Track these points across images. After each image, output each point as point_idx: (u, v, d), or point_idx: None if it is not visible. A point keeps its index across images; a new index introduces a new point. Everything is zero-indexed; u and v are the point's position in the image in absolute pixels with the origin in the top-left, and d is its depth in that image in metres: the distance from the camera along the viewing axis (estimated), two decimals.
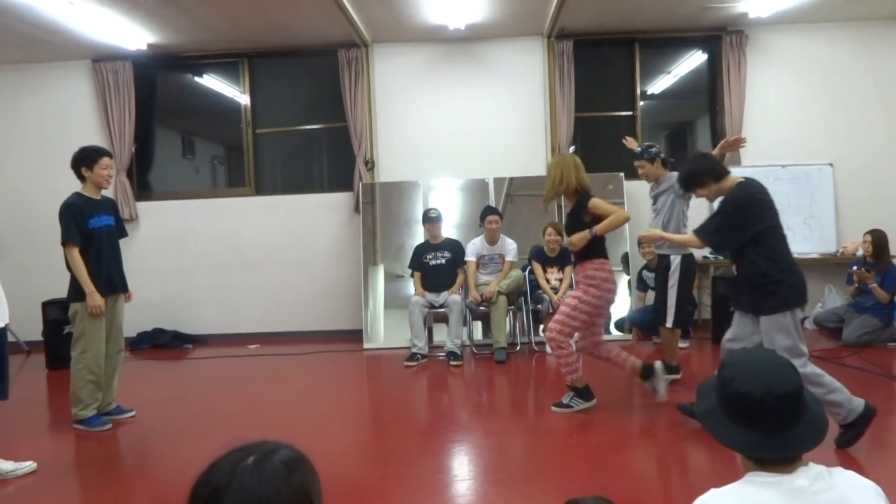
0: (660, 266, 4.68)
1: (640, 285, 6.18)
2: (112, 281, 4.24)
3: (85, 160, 4.16)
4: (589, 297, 4.06)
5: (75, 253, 4.05)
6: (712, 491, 1.34)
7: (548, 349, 5.90)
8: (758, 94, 6.79)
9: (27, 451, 3.64)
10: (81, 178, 4.19)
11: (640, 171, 4.68)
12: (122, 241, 4.44)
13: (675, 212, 4.55)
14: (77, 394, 4.13)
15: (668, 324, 4.62)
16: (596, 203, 4.04)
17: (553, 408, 4.22)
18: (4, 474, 3.40)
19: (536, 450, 3.64)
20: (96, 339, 4.13)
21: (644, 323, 6.01)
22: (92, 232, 4.13)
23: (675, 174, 4.32)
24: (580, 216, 4.09)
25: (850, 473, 1.37)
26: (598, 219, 4.02)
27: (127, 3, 5.41)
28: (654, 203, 4.73)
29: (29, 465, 3.49)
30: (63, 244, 4.08)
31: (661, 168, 4.63)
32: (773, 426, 1.34)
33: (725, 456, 1.44)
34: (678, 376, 4.71)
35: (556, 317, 4.16)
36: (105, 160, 4.19)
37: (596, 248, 4.09)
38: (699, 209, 5.44)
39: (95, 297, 4.04)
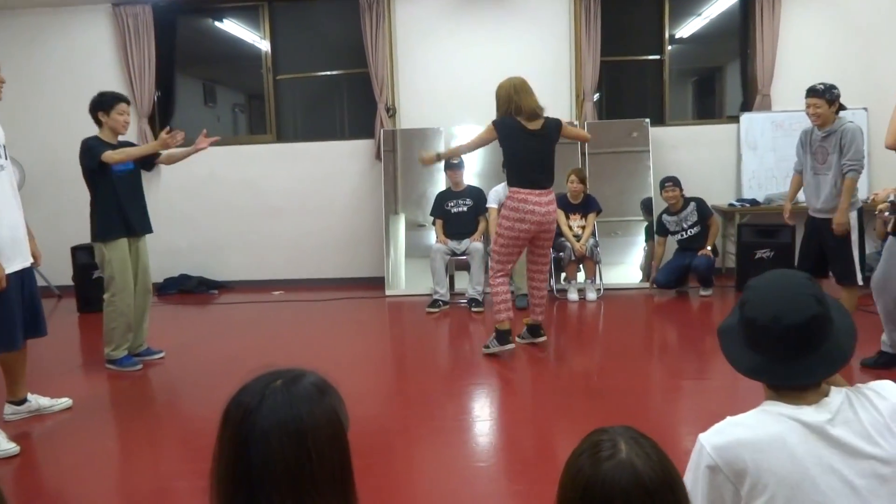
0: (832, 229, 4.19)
1: (660, 229, 6.08)
2: (130, 223, 4.26)
3: (102, 105, 4.17)
4: (501, 228, 4.18)
5: (113, 155, 4.02)
6: (728, 419, 1.34)
7: (570, 295, 5.93)
8: (791, 36, 6.55)
9: (62, 389, 3.76)
10: (98, 122, 4.20)
11: (811, 111, 4.13)
12: (147, 188, 4.47)
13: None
14: (109, 334, 4.25)
15: (859, 281, 4.19)
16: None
17: (483, 349, 4.35)
18: (42, 409, 3.53)
19: (557, 392, 3.68)
20: (126, 282, 4.21)
21: (669, 283, 5.95)
22: (112, 174, 4.15)
23: (848, 123, 4.05)
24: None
25: (884, 390, 1.32)
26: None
27: None
28: (812, 152, 4.27)
29: (65, 402, 3.62)
30: (96, 161, 4.02)
31: (834, 115, 4.12)
32: (779, 354, 1.31)
33: (756, 402, 1.42)
34: None
35: (546, 260, 4.41)
36: (122, 106, 4.18)
37: (511, 177, 4.18)
38: None
39: (160, 142, 4.09)
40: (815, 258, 4.29)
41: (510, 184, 4.17)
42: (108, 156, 4.04)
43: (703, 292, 5.90)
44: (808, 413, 1.28)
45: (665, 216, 6.05)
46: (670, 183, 5.94)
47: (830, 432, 1.25)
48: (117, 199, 4.18)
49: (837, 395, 1.31)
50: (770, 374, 1.34)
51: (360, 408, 3.46)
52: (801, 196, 4.58)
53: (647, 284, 6.22)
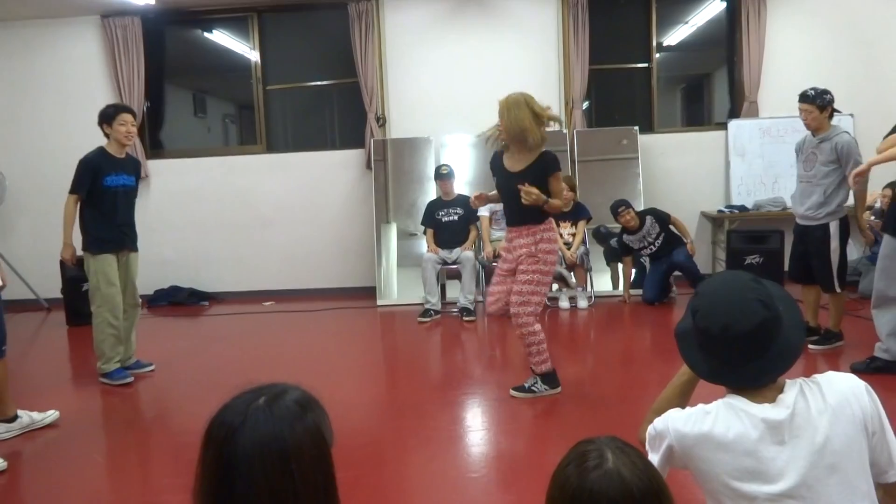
0: (814, 236, 4.19)
1: (624, 249, 5.96)
2: (122, 239, 4.32)
3: (105, 117, 4.22)
4: (545, 265, 3.58)
5: (71, 202, 4.16)
6: (700, 406, 1.41)
7: (562, 303, 5.93)
8: (778, 43, 6.60)
9: (51, 402, 3.71)
10: (106, 134, 4.25)
11: (802, 116, 4.15)
12: (137, 198, 4.50)
13: (835, 179, 4.10)
14: (100, 347, 4.23)
15: (838, 289, 4.21)
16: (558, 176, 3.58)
17: (512, 391, 3.73)
18: (35, 423, 3.48)
19: (549, 401, 3.67)
20: (111, 295, 4.20)
21: (657, 296, 5.89)
22: (106, 189, 4.20)
23: (843, 133, 4.04)
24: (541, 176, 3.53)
25: (834, 380, 1.37)
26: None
27: None
28: (804, 160, 4.27)
29: (52, 414, 3.58)
30: (70, 192, 4.17)
31: (827, 121, 4.12)
32: (732, 359, 1.37)
33: None
34: (842, 342, 4.29)
35: (518, 291, 3.56)
36: (123, 116, 4.21)
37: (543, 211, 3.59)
38: None
39: (69, 249, 4.21)
40: (803, 264, 4.33)
41: (546, 216, 3.60)
42: (69, 198, 4.17)
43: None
44: (768, 410, 1.33)
45: (627, 236, 5.91)
46: (623, 207, 5.79)
47: (788, 427, 1.30)
48: (112, 214, 4.23)
49: (792, 389, 1.36)
50: (727, 377, 1.40)
51: (350, 418, 3.46)
52: (789, 201, 4.60)
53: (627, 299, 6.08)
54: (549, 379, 3.68)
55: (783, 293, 1.45)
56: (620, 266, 6.19)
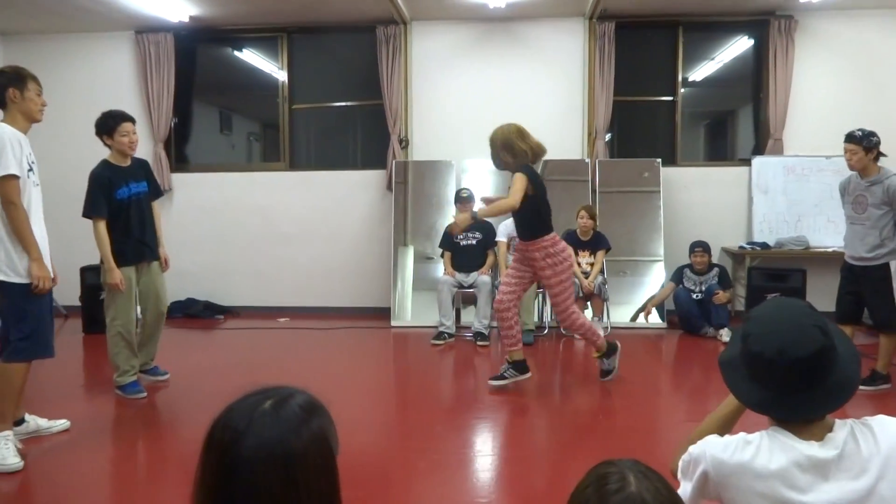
0: (873, 277, 4.15)
1: (677, 277, 5.96)
2: (140, 249, 4.17)
3: (104, 128, 4.05)
4: (564, 273, 4.16)
5: (101, 227, 3.96)
6: (741, 435, 1.33)
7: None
8: (804, 82, 6.58)
9: (63, 410, 3.72)
10: (107, 145, 4.10)
11: (847, 156, 4.14)
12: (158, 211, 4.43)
13: (889, 220, 4.08)
14: (114, 360, 4.13)
15: None
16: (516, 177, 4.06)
17: (490, 381, 4.32)
18: (41, 430, 3.49)
19: (561, 430, 3.62)
20: (124, 306, 4.08)
21: (692, 318, 5.84)
22: (120, 203, 4.04)
23: (894, 176, 4.03)
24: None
25: (888, 425, 1.29)
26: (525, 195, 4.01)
27: None
28: (852, 201, 4.25)
29: (63, 423, 3.57)
30: (88, 217, 3.98)
31: (874, 163, 4.11)
32: (786, 388, 1.29)
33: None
34: (888, 386, 4.22)
35: (555, 302, 4.28)
36: (124, 126, 4.04)
37: (542, 225, 4.14)
38: None
39: (115, 273, 3.95)
40: (849, 304, 4.28)
41: (545, 232, 4.14)
42: (95, 223, 3.97)
43: (725, 339, 5.65)
44: (815, 449, 1.26)
45: (688, 271, 5.94)
46: (700, 249, 5.86)
47: (835, 467, 1.24)
48: (126, 227, 4.08)
49: (842, 429, 1.28)
50: (778, 408, 1.31)
51: (359, 438, 3.42)
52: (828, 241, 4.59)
53: (642, 321, 6.01)
54: (611, 352, 4.39)
55: (839, 330, 1.37)
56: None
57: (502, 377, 4.28)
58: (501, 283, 4.41)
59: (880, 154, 4.11)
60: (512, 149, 4.11)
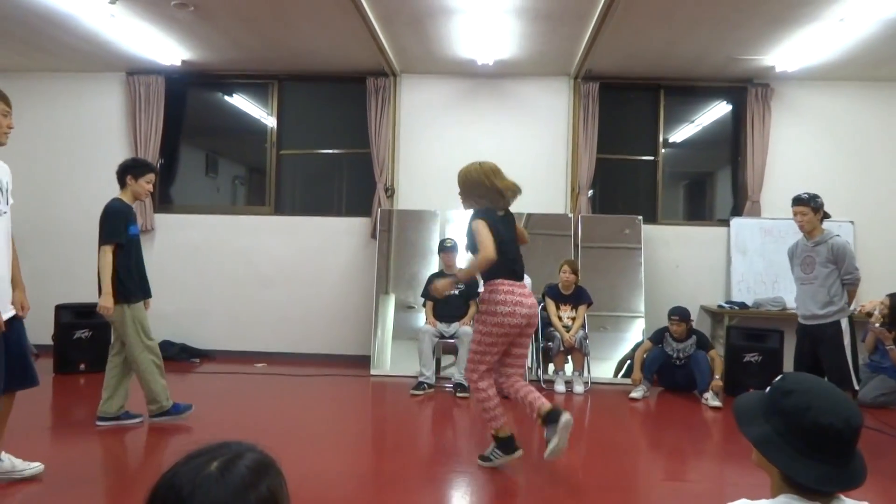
0: (826, 335, 4.33)
1: (657, 338, 5.93)
2: (146, 286, 4.48)
3: (133, 170, 4.33)
4: (485, 325, 3.60)
5: (109, 251, 4.17)
6: (743, 501, 1.32)
7: (557, 387, 5.84)
8: (781, 147, 6.80)
9: (33, 452, 3.59)
10: (122, 184, 4.33)
11: (797, 219, 4.42)
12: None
13: (836, 279, 4.33)
14: (152, 390, 4.35)
15: (856, 385, 4.35)
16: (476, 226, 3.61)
17: (479, 461, 3.82)
18: (16, 470, 3.35)
19: (539, 486, 3.56)
20: (152, 343, 4.38)
21: (674, 382, 5.85)
22: (130, 239, 4.30)
23: (836, 236, 4.29)
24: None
25: None
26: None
27: (165, 19, 5.55)
28: (800, 263, 4.51)
29: (37, 466, 3.43)
30: (105, 243, 4.17)
31: (819, 224, 4.40)
32: (842, 459, 1.30)
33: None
34: None
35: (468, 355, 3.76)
36: (151, 175, 4.39)
37: (492, 269, 3.60)
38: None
39: (109, 299, 4.16)
40: (808, 365, 4.39)
41: (491, 277, 3.66)
42: (108, 248, 4.17)
43: (712, 402, 5.51)
44: None
45: (668, 335, 5.89)
46: (676, 317, 5.78)
47: None
48: (137, 263, 4.37)
49: (848, 501, 1.32)
50: (834, 481, 1.30)
51: (335, 487, 3.34)
52: (790, 302, 4.70)
53: (625, 379, 6.02)
54: (505, 444, 3.72)
55: None
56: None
57: (489, 459, 3.80)
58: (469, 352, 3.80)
59: (826, 215, 4.37)
60: (469, 186, 3.80)
